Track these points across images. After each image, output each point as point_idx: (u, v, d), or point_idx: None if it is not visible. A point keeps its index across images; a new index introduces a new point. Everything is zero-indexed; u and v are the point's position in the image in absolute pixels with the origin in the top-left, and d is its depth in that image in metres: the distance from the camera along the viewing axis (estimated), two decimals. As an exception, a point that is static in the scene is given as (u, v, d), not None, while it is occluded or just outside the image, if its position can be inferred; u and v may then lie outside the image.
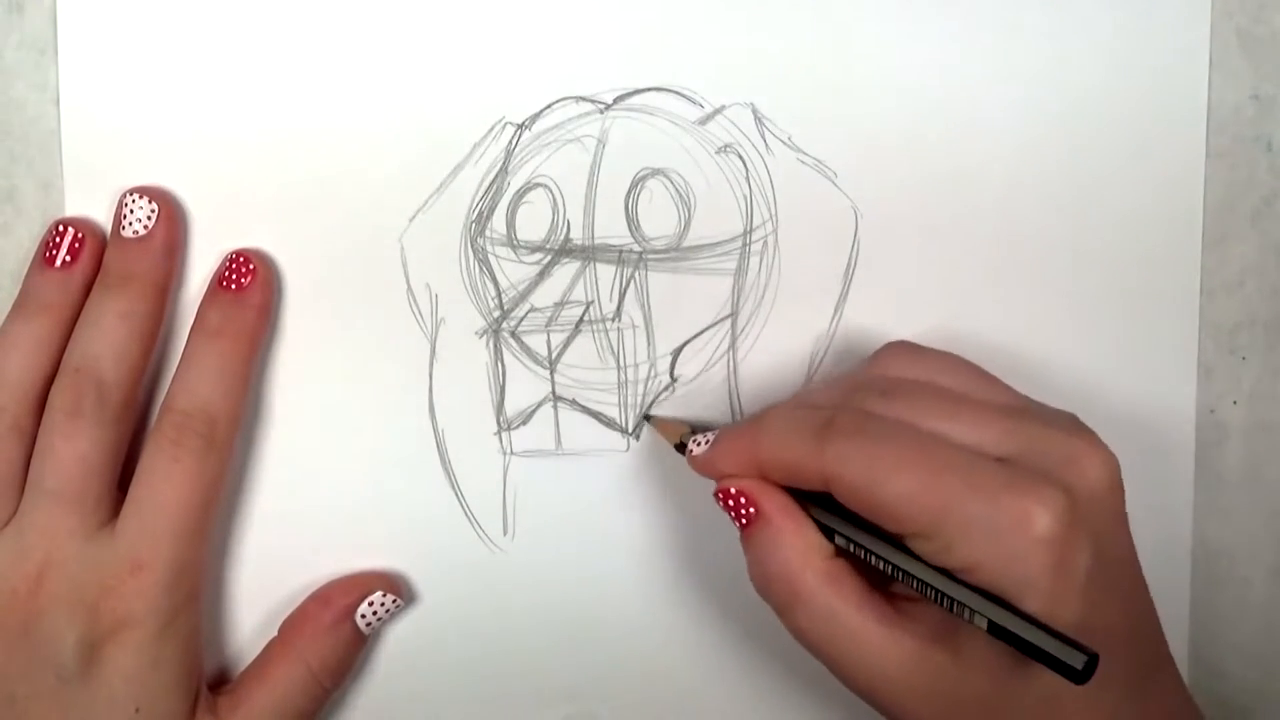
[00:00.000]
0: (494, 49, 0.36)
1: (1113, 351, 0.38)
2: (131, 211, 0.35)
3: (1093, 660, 0.27)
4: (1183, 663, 0.38)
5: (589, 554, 0.38)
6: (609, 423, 0.38)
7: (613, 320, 0.37)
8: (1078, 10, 0.37)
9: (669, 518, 0.38)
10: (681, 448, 0.35)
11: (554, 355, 0.37)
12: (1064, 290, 0.38)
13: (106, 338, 0.34)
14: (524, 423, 0.38)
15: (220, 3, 0.36)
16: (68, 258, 0.35)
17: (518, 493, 0.38)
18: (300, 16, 0.36)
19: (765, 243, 0.37)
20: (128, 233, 0.35)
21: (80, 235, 0.35)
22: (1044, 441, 0.30)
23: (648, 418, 0.37)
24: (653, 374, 0.38)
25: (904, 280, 0.37)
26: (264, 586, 0.37)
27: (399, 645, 0.38)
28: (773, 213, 0.37)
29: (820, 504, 0.32)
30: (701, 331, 0.38)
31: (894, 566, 0.30)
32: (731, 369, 0.38)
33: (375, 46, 0.36)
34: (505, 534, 0.38)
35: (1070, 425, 0.31)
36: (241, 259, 0.36)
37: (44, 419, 0.34)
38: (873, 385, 0.32)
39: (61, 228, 0.35)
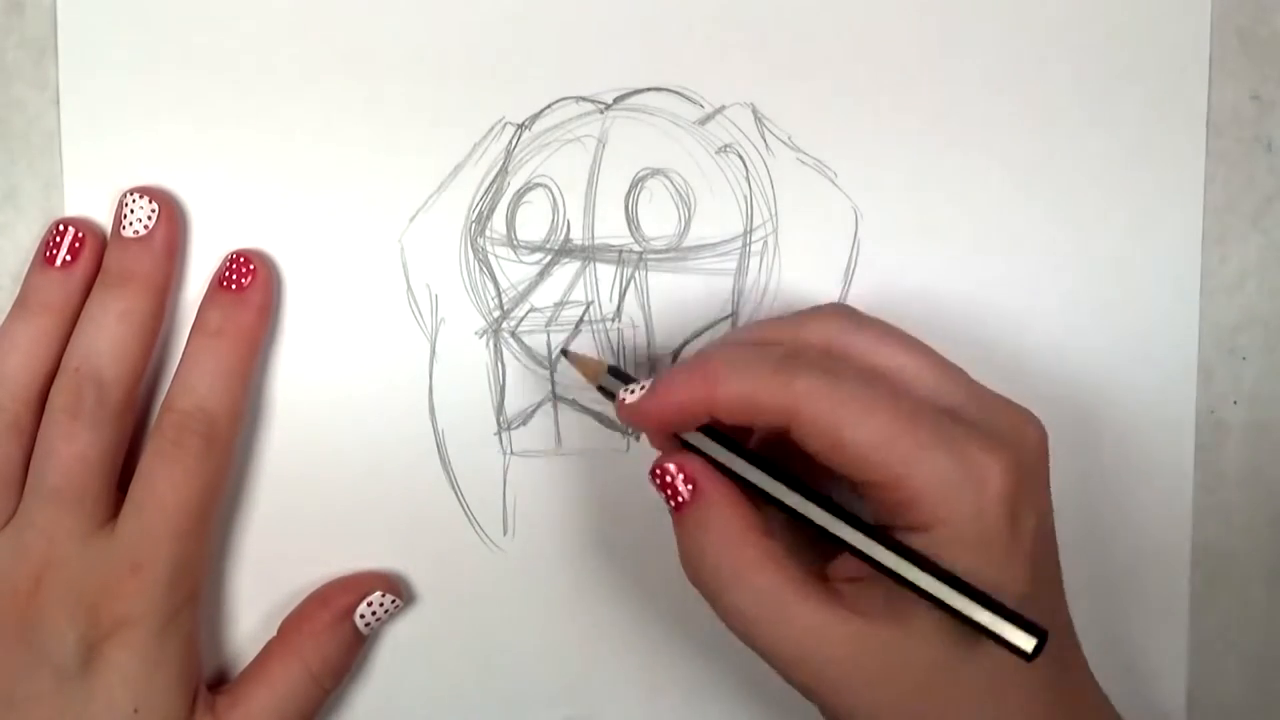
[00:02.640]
0: (494, 49, 0.36)
1: (1113, 351, 0.38)
2: (132, 211, 0.35)
3: (1042, 639, 0.28)
4: (1183, 663, 0.39)
5: (589, 554, 0.38)
6: (609, 423, 0.38)
7: (613, 320, 0.37)
8: (1077, 10, 0.37)
9: (669, 518, 0.38)
10: (604, 391, 0.33)
11: (554, 355, 0.37)
12: (1064, 290, 0.38)
13: (106, 337, 0.34)
14: (524, 423, 0.38)
15: (220, 3, 0.36)
16: (68, 257, 0.35)
17: (518, 493, 0.38)
18: (300, 16, 0.36)
19: (765, 243, 0.37)
20: (128, 232, 0.35)
21: (80, 235, 0.35)
22: (993, 404, 0.31)
23: (564, 353, 0.36)
24: (653, 374, 0.38)
25: (904, 280, 0.37)
26: (264, 586, 0.37)
27: (399, 645, 0.38)
28: (773, 213, 0.37)
29: (759, 476, 0.31)
30: (701, 331, 0.38)
31: (843, 541, 0.29)
32: (731, 369, 0.38)
33: (375, 46, 0.36)
34: (505, 534, 0.38)
35: (990, 391, 0.32)
36: (241, 259, 0.36)
37: (44, 418, 0.34)
38: (827, 326, 0.32)
39: (62, 227, 0.35)
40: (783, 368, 0.30)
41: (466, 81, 0.36)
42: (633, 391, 0.31)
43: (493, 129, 0.37)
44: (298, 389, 0.37)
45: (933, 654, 0.30)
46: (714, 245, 0.37)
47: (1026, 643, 0.28)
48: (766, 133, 0.37)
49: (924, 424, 0.29)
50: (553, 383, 0.38)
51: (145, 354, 0.35)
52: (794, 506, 0.30)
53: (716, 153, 0.37)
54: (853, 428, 0.29)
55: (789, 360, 0.30)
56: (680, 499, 0.31)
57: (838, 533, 0.30)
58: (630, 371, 0.37)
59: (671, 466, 0.31)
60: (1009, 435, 0.30)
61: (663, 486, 0.31)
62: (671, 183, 0.37)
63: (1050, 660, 0.30)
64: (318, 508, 0.37)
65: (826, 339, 0.31)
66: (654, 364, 0.38)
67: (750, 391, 0.30)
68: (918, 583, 0.29)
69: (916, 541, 0.29)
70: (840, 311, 0.33)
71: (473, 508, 0.38)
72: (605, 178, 0.37)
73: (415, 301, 0.37)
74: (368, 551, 0.38)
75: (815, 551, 0.32)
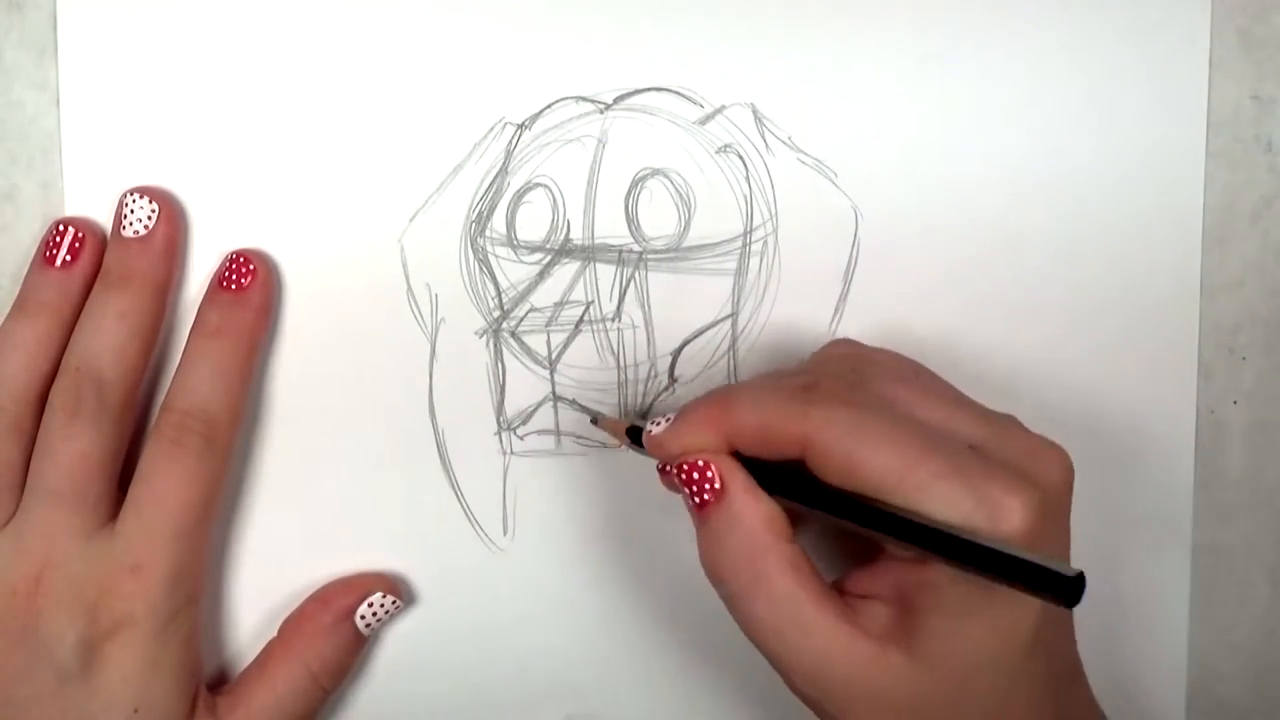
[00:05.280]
0: (494, 49, 0.36)
1: (1113, 351, 0.38)
2: (132, 211, 0.35)
3: (1081, 577, 0.27)
4: (1183, 663, 0.39)
5: (589, 554, 0.38)
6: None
7: (613, 320, 0.37)
8: (1077, 10, 0.37)
9: (669, 518, 0.38)
10: (634, 432, 0.33)
11: (554, 355, 0.37)
12: (1064, 290, 0.38)
13: (106, 337, 0.34)
14: (524, 423, 0.38)
15: (220, 3, 0.36)
16: (68, 257, 0.35)
17: (518, 493, 0.38)
18: (300, 16, 0.36)
19: (765, 243, 0.37)
20: (128, 232, 0.35)
21: (80, 235, 0.35)
22: (1008, 435, 0.30)
23: (594, 420, 0.37)
24: (653, 374, 0.38)
25: (904, 280, 0.37)
26: (264, 586, 0.37)
27: (399, 645, 0.38)
28: (773, 213, 0.37)
29: (782, 483, 0.30)
30: (701, 331, 0.38)
31: (873, 517, 0.29)
32: (731, 369, 0.38)
33: (375, 46, 0.36)
34: (505, 534, 0.38)
35: (1019, 424, 0.31)
36: (241, 259, 0.36)
37: (44, 419, 0.34)
38: (842, 360, 0.32)
39: (61, 227, 0.35)
40: (798, 397, 0.30)
41: (466, 81, 0.36)
42: (657, 424, 0.32)
43: (493, 129, 0.37)
44: (298, 389, 0.37)
45: (937, 685, 0.29)
46: (714, 245, 0.37)
47: (1068, 570, 0.27)
48: (766, 133, 0.37)
49: (941, 455, 0.28)
50: (553, 383, 0.38)
51: (145, 354, 0.35)
52: (831, 495, 0.29)
53: (716, 153, 0.37)
54: (868, 457, 0.28)
55: (805, 391, 0.30)
56: (704, 497, 0.30)
57: (874, 524, 0.29)
58: (630, 371, 0.37)
59: (700, 462, 0.31)
60: (1034, 473, 0.29)
61: (687, 482, 0.31)
62: (671, 183, 0.37)
63: (1055, 686, 0.30)
64: (318, 508, 0.37)
65: (842, 374, 0.31)
66: (654, 364, 0.38)
67: (767, 422, 0.30)
68: (935, 527, 0.28)
69: (929, 574, 0.29)
70: (848, 344, 0.33)
71: (473, 508, 0.38)
72: (605, 178, 0.37)
73: (415, 301, 0.37)
74: (368, 552, 0.38)
75: (830, 564, 0.32)
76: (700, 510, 0.31)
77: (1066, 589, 0.27)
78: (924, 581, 0.29)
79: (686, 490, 0.31)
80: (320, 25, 0.36)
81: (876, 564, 0.31)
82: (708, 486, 0.30)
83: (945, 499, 0.28)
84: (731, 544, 0.30)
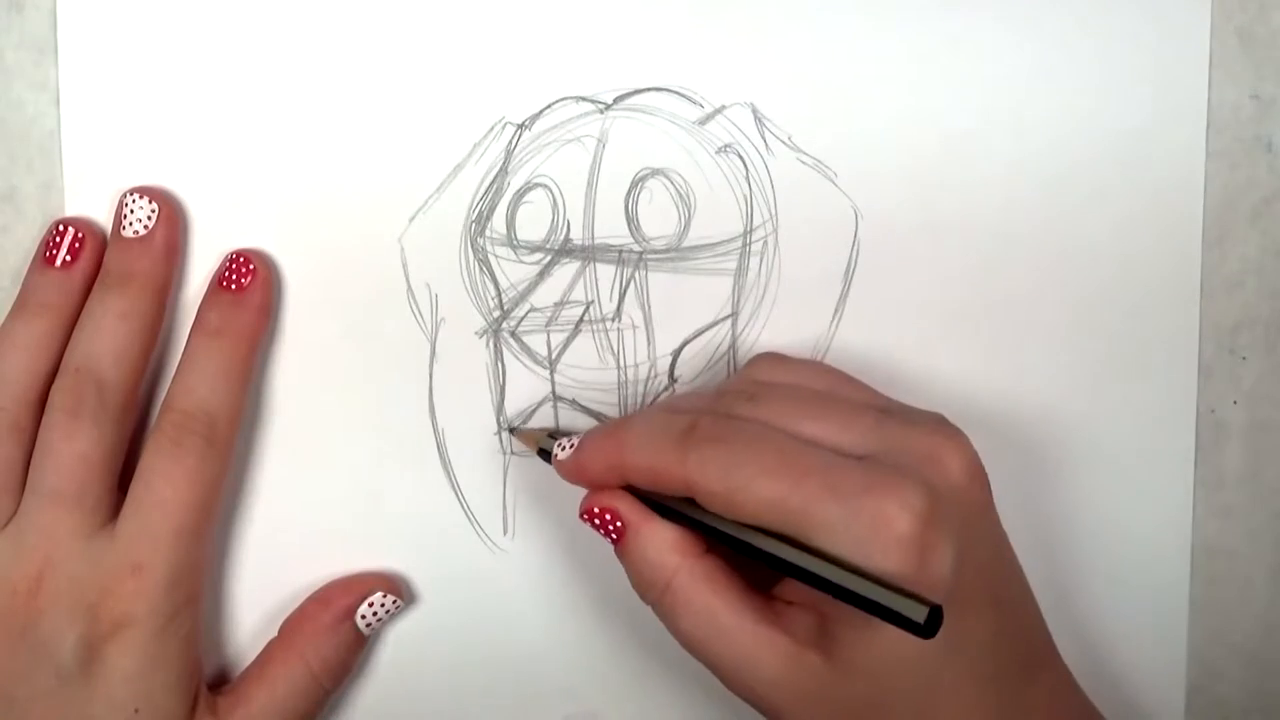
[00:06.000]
0: (494, 49, 0.36)
1: (1113, 351, 0.38)
2: (131, 211, 0.35)
3: (936, 612, 0.27)
4: (1183, 663, 0.39)
5: (589, 554, 0.38)
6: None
7: (613, 320, 0.37)
8: (1077, 10, 0.37)
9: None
10: (545, 454, 0.35)
11: (554, 355, 0.37)
12: (1064, 290, 0.38)
13: (106, 337, 0.34)
14: (524, 423, 0.38)
15: (220, 3, 0.36)
16: (68, 257, 0.35)
17: (518, 493, 0.38)
18: (300, 16, 0.36)
19: (765, 243, 0.37)
20: (128, 233, 0.35)
21: (80, 235, 0.35)
22: (904, 439, 0.30)
23: (511, 430, 0.37)
24: (653, 374, 0.38)
25: (904, 280, 0.37)
26: (264, 586, 0.37)
27: (399, 645, 0.38)
28: (773, 213, 0.37)
29: (678, 514, 0.32)
30: (701, 331, 0.38)
31: (757, 550, 0.30)
32: (731, 369, 0.38)
33: (375, 46, 0.36)
34: (505, 534, 0.38)
35: (933, 423, 0.31)
36: (241, 259, 0.36)
37: (44, 419, 0.34)
38: (740, 390, 0.33)
39: (61, 227, 0.35)
40: (679, 442, 0.31)
41: (466, 81, 0.36)
42: (564, 449, 0.34)
43: (493, 129, 0.37)
44: (298, 389, 0.37)
45: (857, 683, 0.30)
46: (714, 245, 0.37)
47: (918, 614, 0.27)
48: (766, 133, 0.37)
49: (815, 477, 0.29)
50: (553, 383, 0.38)
51: (145, 354, 0.35)
52: (700, 520, 0.31)
53: (716, 153, 0.37)
54: (743, 491, 0.29)
55: (686, 433, 0.31)
56: (613, 536, 0.33)
57: (714, 524, 0.31)
58: (630, 371, 0.37)
59: (595, 508, 0.33)
60: (922, 469, 0.30)
61: (596, 527, 0.33)
62: (671, 183, 0.37)
63: (997, 682, 0.31)
64: (318, 508, 0.37)
65: (735, 403, 0.32)
66: (654, 364, 0.38)
67: (651, 465, 0.31)
68: (797, 563, 0.29)
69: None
70: (760, 363, 0.34)
71: (473, 508, 0.38)
72: (605, 178, 0.37)
73: (415, 301, 0.37)
74: (368, 551, 0.38)
75: (764, 573, 0.32)
76: (617, 547, 0.33)
77: (921, 628, 0.27)
78: None
79: (600, 533, 0.33)
80: (320, 25, 0.36)
81: None
82: (612, 526, 0.32)
83: (823, 521, 0.29)
84: (645, 571, 0.32)
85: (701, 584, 0.32)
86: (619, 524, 0.32)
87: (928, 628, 0.27)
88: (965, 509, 0.30)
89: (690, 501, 0.31)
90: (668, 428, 0.31)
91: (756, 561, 0.30)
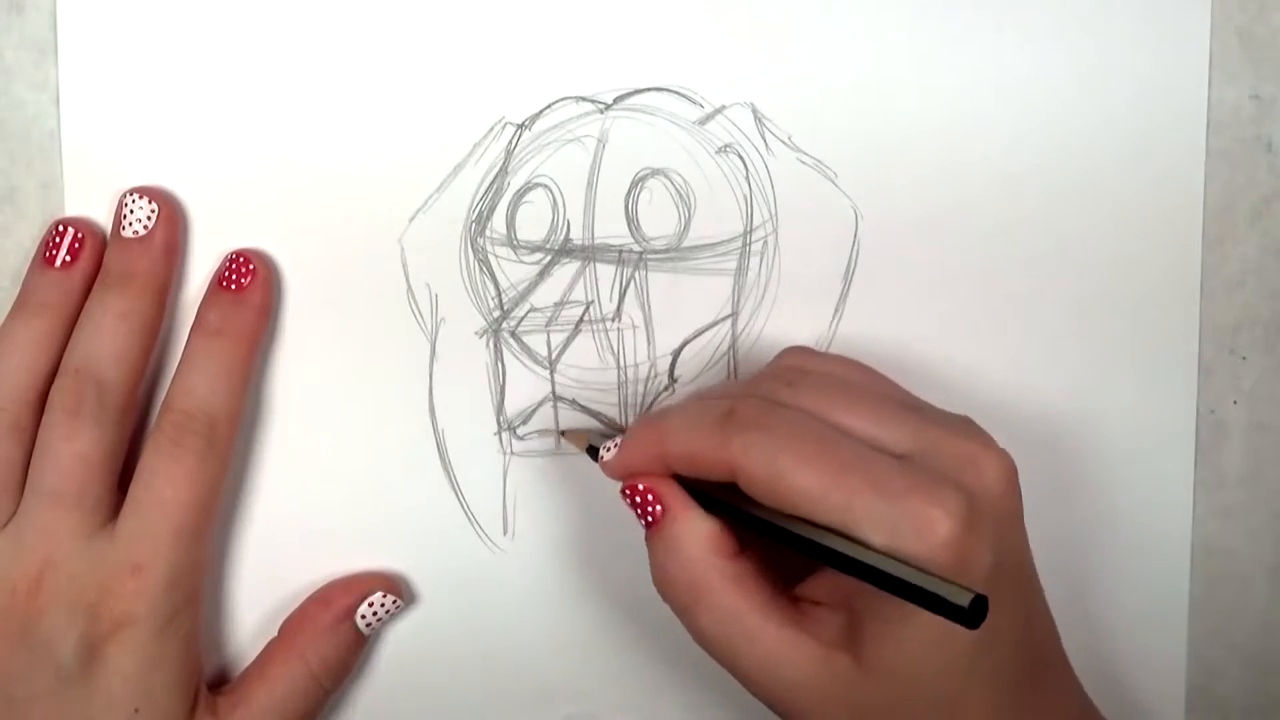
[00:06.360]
0: (494, 49, 0.36)
1: (1113, 351, 0.38)
2: (131, 211, 0.35)
3: (980, 601, 0.27)
4: (1183, 663, 0.39)
5: (589, 554, 0.38)
6: (609, 423, 0.38)
7: (613, 320, 0.37)
8: (1077, 10, 0.37)
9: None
10: (593, 452, 0.35)
11: (554, 355, 0.37)
12: (1064, 290, 0.38)
13: (106, 338, 0.34)
14: (524, 423, 0.38)
15: (220, 3, 0.36)
16: (68, 258, 0.35)
17: (518, 493, 0.38)
18: (300, 16, 0.36)
19: (765, 243, 0.37)
20: (128, 233, 0.35)
21: (80, 235, 0.35)
22: (943, 442, 0.30)
23: (562, 433, 0.37)
24: (653, 374, 0.38)
25: (904, 279, 0.37)
26: (264, 586, 0.37)
27: (399, 645, 0.38)
28: (773, 213, 0.37)
29: (722, 503, 0.31)
30: (701, 331, 0.38)
31: (797, 538, 0.30)
32: (731, 369, 0.38)
33: (375, 46, 0.36)
34: (505, 534, 0.38)
35: (966, 427, 0.31)
36: (241, 259, 0.36)
37: (44, 419, 0.34)
38: (777, 376, 0.33)
39: (61, 228, 0.35)
40: (722, 425, 0.30)
41: (466, 81, 0.36)
42: (609, 450, 0.33)
43: (493, 129, 0.37)
44: (298, 389, 0.37)
45: (886, 686, 0.30)
46: (714, 245, 0.37)
47: (963, 598, 0.27)
48: (766, 133, 0.37)
49: (859, 471, 0.29)
50: (553, 383, 0.38)
51: (145, 354, 0.35)
52: (742, 508, 0.31)
53: (716, 153, 0.37)
54: (787, 479, 0.29)
55: (728, 417, 0.30)
56: (649, 519, 0.32)
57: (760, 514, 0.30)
58: (630, 371, 0.37)
59: (641, 486, 0.32)
60: (960, 474, 0.30)
61: (633, 506, 0.32)
62: (671, 183, 0.37)
63: (1018, 683, 0.31)
64: (318, 508, 0.37)
65: (774, 390, 0.32)
66: (654, 364, 0.38)
67: (694, 451, 0.31)
68: (845, 551, 0.29)
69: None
70: (795, 353, 0.34)
71: (473, 508, 0.38)
72: (605, 178, 0.37)
73: (415, 301, 0.37)
74: (368, 551, 0.38)
75: (790, 572, 0.32)
76: (649, 530, 0.32)
77: (965, 614, 0.27)
78: (862, 588, 0.29)
79: (634, 512, 0.32)
80: (320, 25, 0.36)
81: (825, 570, 0.32)
82: (650, 510, 0.32)
83: (866, 515, 0.28)
84: (673, 564, 0.32)
85: (730, 584, 0.31)
86: (658, 507, 0.32)
87: (973, 614, 0.27)
88: (1000, 516, 0.30)
89: (730, 491, 0.31)
90: (708, 412, 0.31)
91: (784, 559, 0.30)
